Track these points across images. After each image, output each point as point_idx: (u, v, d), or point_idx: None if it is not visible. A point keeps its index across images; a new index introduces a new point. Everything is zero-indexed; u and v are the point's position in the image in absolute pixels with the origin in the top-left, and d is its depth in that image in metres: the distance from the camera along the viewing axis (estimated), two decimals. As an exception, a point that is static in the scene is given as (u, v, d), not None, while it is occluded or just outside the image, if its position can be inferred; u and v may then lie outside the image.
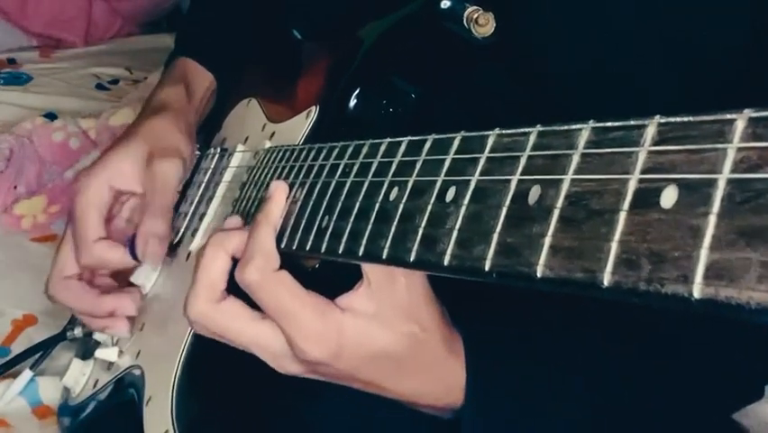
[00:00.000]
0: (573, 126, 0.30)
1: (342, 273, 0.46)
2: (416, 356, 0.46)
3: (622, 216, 0.26)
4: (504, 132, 0.34)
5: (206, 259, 0.49)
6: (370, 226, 0.40)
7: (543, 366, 0.50)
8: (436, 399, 0.49)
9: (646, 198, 0.25)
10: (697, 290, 0.22)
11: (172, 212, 0.67)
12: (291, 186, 0.50)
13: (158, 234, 0.64)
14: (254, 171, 0.62)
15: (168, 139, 0.69)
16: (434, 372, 0.48)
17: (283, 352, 0.46)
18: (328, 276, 0.51)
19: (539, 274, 0.28)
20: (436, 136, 0.39)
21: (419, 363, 0.47)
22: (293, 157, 0.54)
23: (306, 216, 0.47)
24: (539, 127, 0.32)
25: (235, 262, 0.48)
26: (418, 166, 0.39)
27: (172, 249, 0.72)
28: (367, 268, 0.44)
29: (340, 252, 0.42)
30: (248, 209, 0.60)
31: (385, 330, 0.45)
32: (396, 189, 0.40)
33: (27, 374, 0.84)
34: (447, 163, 0.37)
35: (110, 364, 0.72)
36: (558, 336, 0.51)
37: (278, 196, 0.49)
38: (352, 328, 0.44)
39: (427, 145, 0.39)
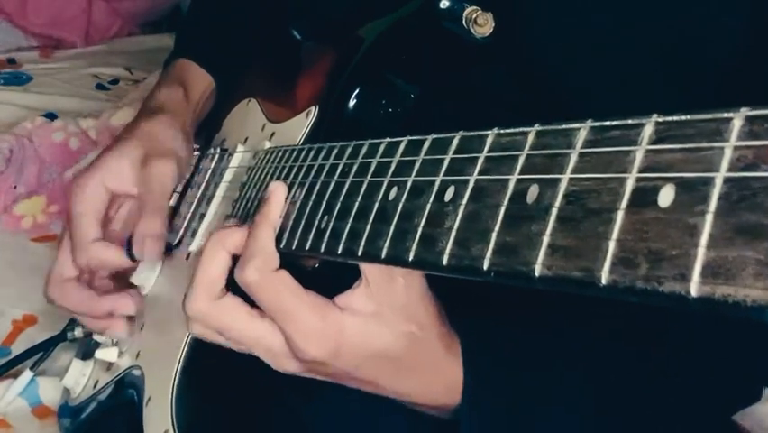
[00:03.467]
0: (571, 125, 0.30)
1: (342, 273, 0.46)
2: (414, 355, 0.46)
3: (620, 215, 0.26)
4: (502, 131, 0.34)
5: (206, 257, 0.49)
6: (368, 226, 0.40)
7: (540, 365, 0.50)
8: (434, 398, 0.49)
9: (644, 196, 0.25)
10: (694, 289, 0.22)
11: (168, 212, 0.67)
12: (290, 186, 0.50)
13: (154, 233, 0.64)
14: (254, 172, 0.62)
15: (164, 141, 0.69)
16: (431, 370, 0.48)
17: (281, 350, 0.46)
18: (328, 276, 0.51)
19: (537, 273, 0.28)
20: (435, 136, 0.39)
21: (417, 362, 0.47)
22: (292, 157, 0.54)
23: (306, 216, 0.47)
24: (537, 126, 0.32)
25: (235, 259, 0.49)
26: (417, 166, 0.39)
27: (171, 249, 0.72)
28: (365, 267, 0.45)
29: (339, 252, 0.42)
30: (247, 210, 0.60)
31: (383, 329, 0.45)
32: (395, 189, 0.40)
33: (27, 375, 0.84)
34: (446, 163, 0.37)
35: (110, 365, 0.72)
36: (556, 335, 0.52)
37: (277, 196, 0.49)
38: (350, 327, 0.44)
39: (426, 145, 0.39)
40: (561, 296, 0.28)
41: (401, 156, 0.41)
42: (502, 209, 0.31)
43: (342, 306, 0.45)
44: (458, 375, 0.48)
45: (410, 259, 0.36)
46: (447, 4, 0.53)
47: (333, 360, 0.45)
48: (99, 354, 0.71)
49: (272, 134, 0.66)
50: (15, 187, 1.11)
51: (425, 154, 0.39)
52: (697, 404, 0.54)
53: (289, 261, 0.47)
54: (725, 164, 0.23)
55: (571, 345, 0.51)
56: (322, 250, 0.44)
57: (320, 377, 0.48)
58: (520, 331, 0.51)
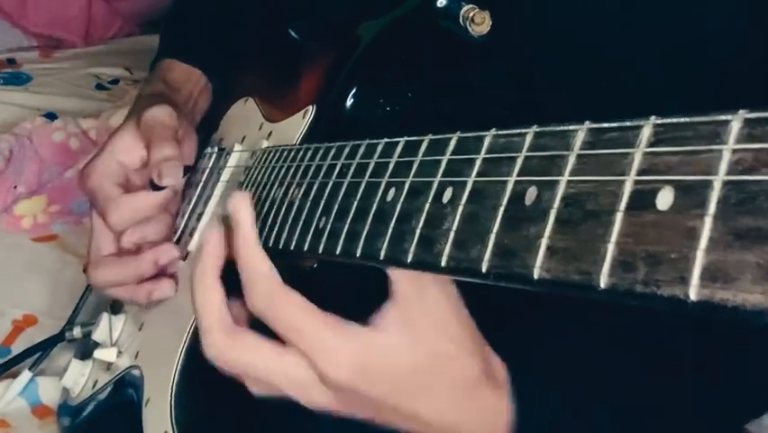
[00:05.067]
0: (569, 127, 0.30)
1: (342, 273, 0.46)
2: (452, 379, 0.42)
3: (618, 217, 0.26)
4: (500, 132, 0.34)
5: (199, 297, 0.47)
6: (367, 227, 0.40)
7: (581, 398, 0.46)
8: (469, 429, 0.44)
9: (642, 199, 0.25)
10: (693, 292, 0.22)
11: (177, 145, 0.66)
12: (288, 186, 0.50)
13: (167, 156, 0.64)
14: (251, 171, 0.62)
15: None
16: (471, 396, 0.43)
17: (311, 381, 0.43)
18: (327, 276, 0.50)
19: (536, 276, 0.28)
20: (433, 137, 0.39)
21: (455, 385, 0.42)
22: (290, 157, 0.54)
23: (304, 216, 0.47)
24: (535, 128, 0.32)
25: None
26: (415, 166, 0.39)
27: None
28: (394, 280, 0.42)
29: (337, 252, 0.42)
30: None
31: (417, 348, 0.41)
32: (393, 190, 0.40)
33: (26, 375, 0.84)
34: (444, 164, 0.37)
35: (109, 365, 0.71)
36: (580, 355, 0.49)
37: (243, 213, 0.47)
38: (380, 347, 0.41)
39: (424, 146, 0.39)
40: (568, 307, 0.28)
41: (399, 157, 0.41)
42: (500, 211, 0.31)
43: (371, 324, 0.42)
44: (501, 406, 0.43)
45: (408, 260, 0.36)
46: (444, 2, 0.53)
47: (361, 383, 0.41)
48: (98, 353, 0.71)
49: (270, 134, 0.66)
50: (15, 187, 1.10)
51: (423, 155, 0.39)
52: (707, 415, 0.53)
53: (288, 261, 0.47)
54: (723, 167, 0.23)
55: (590, 360, 0.48)
56: (320, 251, 0.44)
57: (357, 412, 0.44)
58: (566, 358, 0.47)
